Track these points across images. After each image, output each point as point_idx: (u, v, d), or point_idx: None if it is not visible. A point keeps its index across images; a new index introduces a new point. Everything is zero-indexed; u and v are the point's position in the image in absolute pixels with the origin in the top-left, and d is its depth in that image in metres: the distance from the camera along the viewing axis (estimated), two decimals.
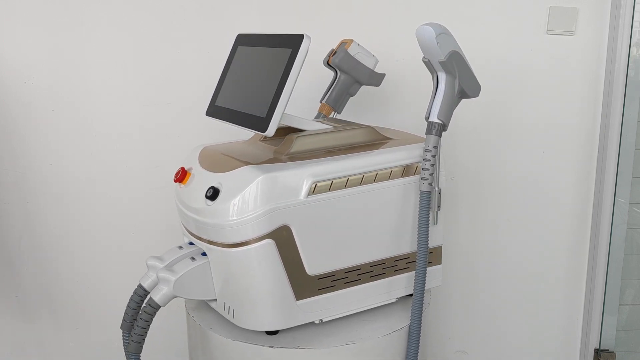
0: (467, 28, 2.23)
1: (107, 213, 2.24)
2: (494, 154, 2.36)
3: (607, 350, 2.49)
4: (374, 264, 1.56)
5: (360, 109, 2.23)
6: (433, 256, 1.67)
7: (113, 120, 2.17)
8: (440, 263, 1.70)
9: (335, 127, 1.63)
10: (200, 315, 1.64)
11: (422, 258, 1.54)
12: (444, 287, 2.45)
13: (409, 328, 1.57)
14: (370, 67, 1.93)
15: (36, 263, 2.24)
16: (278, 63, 1.46)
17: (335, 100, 1.94)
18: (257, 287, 1.44)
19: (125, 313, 1.55)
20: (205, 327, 1.58)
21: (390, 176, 1.53)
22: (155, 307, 1.46)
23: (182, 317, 2.31)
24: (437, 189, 1.57)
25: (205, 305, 1.67)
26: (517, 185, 2.39)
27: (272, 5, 2.15)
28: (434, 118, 1.52)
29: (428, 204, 1.53)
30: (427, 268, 1.64)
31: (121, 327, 1.57)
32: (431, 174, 1.52)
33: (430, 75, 1.55)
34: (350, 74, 1.91)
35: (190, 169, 1.59)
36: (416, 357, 1.57)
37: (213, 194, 1.43)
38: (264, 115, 1.44)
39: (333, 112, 1.96)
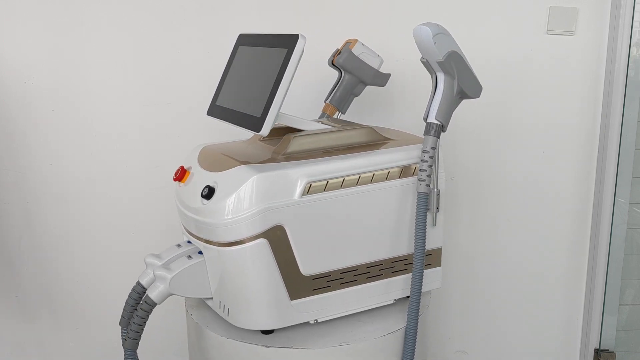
0: (467, 28, 2.23)
1: (107, 213, 2.24)
2: (494, 154, 2.35)
3: (607, 350, 2.49)
4: (370, 265, 1.56)
5: (364, 109, 2.23)
6: (432, 258, 1.66)
7: (113, 120, 2.17)
8: (440, 265, 1.69)
9: (333, 127, 1.63)
10: (198, 313, 1.65)
11: (419, 260, 1.54)
12: (444, 287, 2.45)
13: (405, 330, 1.57)
14: (375, 67, 1.92)
15: (36, 263, 2.25)
16: (274, 63, 1.47)
17: (339, 100, 1.93)
18: (251, 287, 1.45)
19: (124, 310, 1.57)
20: (202, 325, 1.59)
21: (387, 177, 1.53)
22: (151, 305, 1.47)
23: (183, 316, 2.32)
24: (435, 190, 1.57)
25: (204, 304, 1.68)
26: (517, 185, 2.39)
27: (272, 5, 2.15)
28: (432, 119, 1.51)
29: (425, 206, 1.52)
30: (426, 270, 1.64)
31: (120, 324, 1.58)
32: (429, 175, 1.51)
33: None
34: (354, 74, 1.91)
35: (190, 168, 1.60)
36: (412, 359, 1.57)
37: (208, 193, 1.44)
38: (259, 115, 1.44)
39: (337, 113, 1.95)
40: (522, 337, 2.55)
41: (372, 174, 1.51)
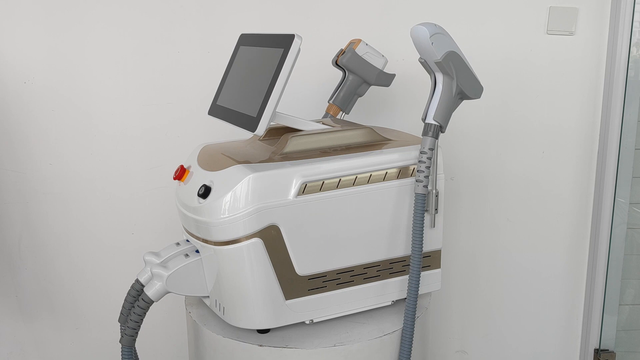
0: (467, 28, 2.23)
1: (107, 213, 2.24)
2: (494, 153, 2.35)
3: (607, 350, 2.49)
4: (367, 266, 1.56)
5: (369, 109, 2.23)
6: (431, 260, 1.65)
7: (113, 120, 2.17)
8: (440, 267, 1.68)
9: (332, 127, 1.63)
10: (197, 311, 1.66)
11: (416, 261, 1.52)
12: (444, 287, 2.44)
13: (402, 332, 1.55)
14: (379, 67, 1.92)
15: (36, 263, 2.25)
16: (271, 63, 1.47)
17: (343, 100, 1.93)
18: (246, 286, 1.45)
19: (123, 307, 1.59)
20: (199, 323, 1.59)
21: (385, 178, 1.52)
22: (148, 302, 1.49)
23: (184, 315, 2.32)
24: (434, 191, 1.56)
25: (203, 302, 1.68)
26: (517, 185, 2.39)
27: (272, 5, 2.15)
28: (430, 119, 1.50)
29: (423, 207, 1.51)
30: (426, 272, 1.64)
31: (119, 320, 1.60)
32: (426, 177, 1.50)
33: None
34: (358, 74, 1.91)
35: (190, 167, 1.60)
36: None
37: (204, 192, 1.45)
38: (254, 115, 1.45)
39: (341, 113, 1.95)
40: (522, 337, 2.55)
41: (369, 174, 1.50)
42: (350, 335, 1.53)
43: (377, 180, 1.52)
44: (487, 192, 2.39)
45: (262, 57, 1.52)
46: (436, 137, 1.51)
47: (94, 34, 2.11)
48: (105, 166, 2.20)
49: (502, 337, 2.54)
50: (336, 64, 1.91)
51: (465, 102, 1.59)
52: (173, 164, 2.22)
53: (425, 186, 1.51)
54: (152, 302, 1.49)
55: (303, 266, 1.48)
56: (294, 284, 1.48)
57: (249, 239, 1.41)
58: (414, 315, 1.54)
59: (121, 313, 1.59)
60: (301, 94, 2.20)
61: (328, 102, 1.95)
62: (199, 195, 1.46)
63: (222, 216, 1.41)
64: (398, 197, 1.55)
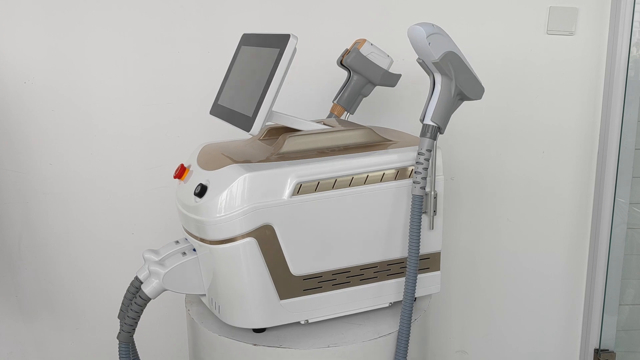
0: (467, 28, 2.23)
1: (107, 213, 2.25)
2: (494, 154, 2.35)
3: (607, 350, 2.49)
4: (364, 267, 1.55)
5: (372, 110, 2.23)
6: (430, 262, 1.63)
7: (113, 120, 2.17)
8: (439, 269, 1.65)
9: (330, 127, 1.62)
10: (195, 309, 1.66)
11: (413, 264, 1.50)
12: (444, 287, 2.44)
13: (398, 335, 1.54)
14: (384, 67, 1.91)
15: (36, 263, 2.25)
16: (267, 62, 1.47)
17: (347, 100, 1.92)
18: (240, 285, 1.45)
19: (122, 303, 1.61)
20: (197, 321, 1.60)
21: (382, 179, 1.51)
22: (145, 299, 1.51)
23: (184, 315, 2.33)
24: (432, 193, 1.55)
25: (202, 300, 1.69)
26: (518, 185, 2.38)
27: (272, 5, 2.15)
28: (428, 120, 1.49)
29: (420, 209, 1.49)
30: (424, 274, 1.62)
31: (118, 317, 1.62)
32: (424, 178, 1.49)
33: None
34: (362, 74, 1.90)
35: (190, 166, 1.61)
36: None
37: (201, 191, 1.45)
38: (250, 114, 1.45)
39: (346, 113, 1.94)
40: (522, 337, 2.54)
41: (366, 175, 1.50)
42: (345, 336, 1.53)
43: (374, 181, 1.51)
44: (487, 192, 2.39)
45: (260, 57, 1.52)
46: (434, 138, 1.49)
47: (94, 34, 2.11)
48: (105, 166, 2.20)
49: (502, 337, 2.54)
50: (341, 63, 1.91)
51: (465, 102, 1.58)
52: (173, 164, 2.22)
53: (423, 188, 1.49)
54: (149, 299, 1.51)
55: (298, 266, 1.48)
56: (289, 284, 1.48)
57: (242, 239, 1.41)
58: (410, 317, 1.52)
59: (120, 309, 1.61)
60: (303, 94, 2.20)
61: (332, 102, 1.95)
62: (195, 194, 1.46)
63: (217, 215, 1.41)
64: (396, 198, 1.53)
